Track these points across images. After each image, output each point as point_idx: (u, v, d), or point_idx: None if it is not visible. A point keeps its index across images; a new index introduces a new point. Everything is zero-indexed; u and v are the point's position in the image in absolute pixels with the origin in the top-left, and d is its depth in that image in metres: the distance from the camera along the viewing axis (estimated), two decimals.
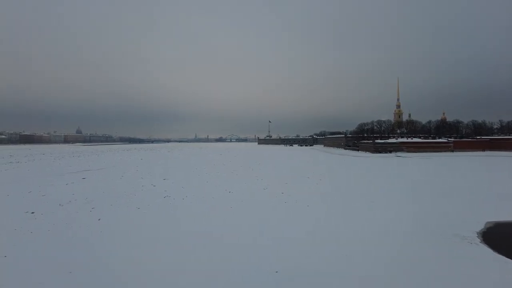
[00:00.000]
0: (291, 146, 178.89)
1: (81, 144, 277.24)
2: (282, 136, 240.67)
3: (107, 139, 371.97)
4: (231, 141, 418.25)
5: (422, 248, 11.47)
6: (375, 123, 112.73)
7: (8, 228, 13.96)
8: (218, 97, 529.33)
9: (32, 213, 16.86)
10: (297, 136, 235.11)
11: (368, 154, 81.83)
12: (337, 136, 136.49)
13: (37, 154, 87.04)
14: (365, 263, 10.08)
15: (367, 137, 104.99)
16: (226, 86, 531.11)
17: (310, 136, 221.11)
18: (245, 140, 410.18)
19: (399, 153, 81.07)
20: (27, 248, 11.52)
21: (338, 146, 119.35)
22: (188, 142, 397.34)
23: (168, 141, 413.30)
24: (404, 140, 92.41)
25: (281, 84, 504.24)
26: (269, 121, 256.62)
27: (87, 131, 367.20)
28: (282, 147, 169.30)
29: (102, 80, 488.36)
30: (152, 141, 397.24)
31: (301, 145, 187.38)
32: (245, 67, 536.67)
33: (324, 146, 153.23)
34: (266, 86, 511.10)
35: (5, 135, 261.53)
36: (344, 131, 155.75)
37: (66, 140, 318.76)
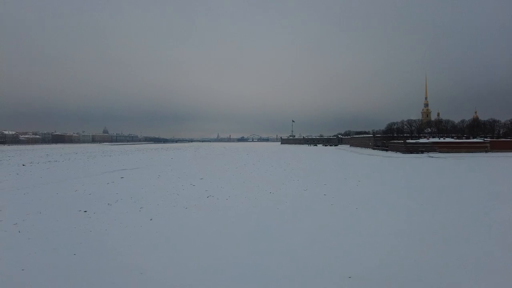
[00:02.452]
0: (315, 146, 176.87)
1: (108, 143, 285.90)
2: (305, 136, 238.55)
3: (132, 139, 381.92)
4: (253, 140, 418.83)
5: None
6: (405, 123, 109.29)
7: (68, 226, 14.12)
8: (240, 97, 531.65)
9: (85, 211, 17.07)
10: (321, 135, 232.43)
11: (399, 154, 79.38)
12: (364, 135, 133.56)
13: (71, 154, 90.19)
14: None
15: (397, 137, 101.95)
16: (248, 85, 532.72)
17: (335, 135, 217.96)
18: (266, 140, 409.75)
19: (431, 154, 78.13)
20: (93, 247, 11.50)
21: (366, 146, 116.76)
22: (210, 141, 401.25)
23: (191, 140, 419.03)
24: (436, 140, 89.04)
25: (304, 83, 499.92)
26: (292, 121, 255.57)
27: (113, 131, 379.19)
28: (305, 147, 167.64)
29: (128, 81, 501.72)
30: (176, 141, 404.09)
31: (325, 145, 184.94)
32: (267, 65, 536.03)
33: (350, 146, 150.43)
34: (289, 85, 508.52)
35: (39, 135, 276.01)
36: (370, 130, 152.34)
37: (94, 139, 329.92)
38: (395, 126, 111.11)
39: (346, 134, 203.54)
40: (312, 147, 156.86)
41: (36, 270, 9.46)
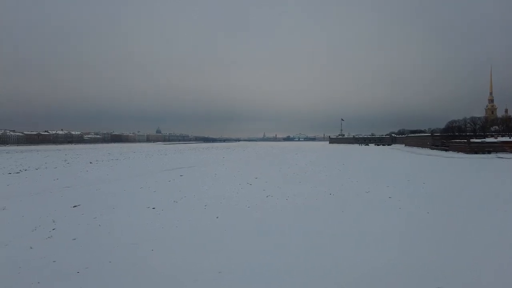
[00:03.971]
0: (366, 146, 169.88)
1: (161, 143, 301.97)
2: (355, 135, 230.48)
3: (183, 138, 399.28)
4: (299, 140, 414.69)
5: None
6: (467, 120, 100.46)
7: (141, 222, 14.85)
8: (286, 96, 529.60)
9: (153, 208, 17.86)
10: (372, 134, 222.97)
11: (461, 155, 73.12)
12: (421, 134, 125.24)
13: (129, 152, 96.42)
14: None
15: (458, 136, 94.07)
16: (294, 84, 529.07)
17: (388, 134, 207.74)
18: (313, 139, 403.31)
19: (500, 154, 70.84)
20: (168, 244, 11.88)
21: (423, 145, 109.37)
22: (256, 141, 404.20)
23: (238, 140, 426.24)
24: (507, 139, 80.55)
25: (352, 81, 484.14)
26: (342, 119, 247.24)
27: (166, 130, 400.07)
28: (356, 146, 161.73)
29: (178, 83, 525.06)
30: (223, 140, 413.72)
31: (377, 145, 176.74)
32: (313, 63, 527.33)
33: (405, 145, 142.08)
34: (336, 83, 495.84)
35: (100, 135, 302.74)
36: (427, 129, 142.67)
37: (148, 139, 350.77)
38: (456, 124, 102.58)
39: (400, 133, 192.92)
40: (363, 147, 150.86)
41: (122, 263, 9.95)
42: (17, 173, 38.58)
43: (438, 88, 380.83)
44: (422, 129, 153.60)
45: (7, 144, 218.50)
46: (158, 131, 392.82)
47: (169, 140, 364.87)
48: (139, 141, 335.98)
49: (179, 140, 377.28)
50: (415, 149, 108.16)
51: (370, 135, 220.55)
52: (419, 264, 9.70)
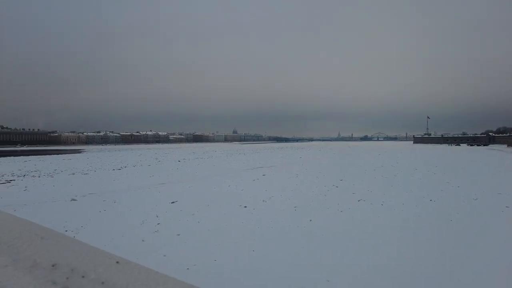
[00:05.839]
0: (457, 146, 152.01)
1: (237, 142, 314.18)
2: (443, 134, 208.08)
3: (257, 138, 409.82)
4: (378, 139, 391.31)
5: None
6: None
7: (236, 220, 15.05)
8: (363, 93, 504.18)
9: (245, 207, 18.07)
10: (464, 133, 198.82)
11: None
12: None
13: (210, 151, 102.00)
14: None
15: None
16: (372, 81, 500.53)
17: (484, 133, 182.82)
18: (394, 138, 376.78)
19: None
20: (269, 245, 11.71)
21: None
22: (330, 141, 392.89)
23: (311, 139, 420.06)
24: None
25: (438, 76, 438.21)
26: (428, 117, 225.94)
27: (241, 131, 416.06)
28: (445, 146, 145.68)
29: (250, 85, 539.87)
30: (297, 140, 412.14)
31: (471, 145, 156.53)
32: (394, 58, 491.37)
33: (507, 146, 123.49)
34: (420, 79, 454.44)
35: (183, 135, 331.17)
36: None
37: (226, 139, 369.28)
38: None
39: (500, 131, 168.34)
40: (454, 147, 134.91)
41: (226, 263, 10.03)
42: (119, 169, 43.38)
43: None
44: None
45: (107, 143, 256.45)
46: (234, 132, 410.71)
47: (244, 140, 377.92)
48: (218, 141, 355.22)
49: (254, 140, 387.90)
50: None
51: (461, 134, 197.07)
52: None
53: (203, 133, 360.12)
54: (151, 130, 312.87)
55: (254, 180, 29.54)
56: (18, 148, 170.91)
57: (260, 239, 12.29)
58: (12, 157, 76.42)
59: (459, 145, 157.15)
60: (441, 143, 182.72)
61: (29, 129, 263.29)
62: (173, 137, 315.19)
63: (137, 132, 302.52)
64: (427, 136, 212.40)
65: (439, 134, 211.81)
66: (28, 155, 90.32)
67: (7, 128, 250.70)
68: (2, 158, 71.64)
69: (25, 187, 26.27)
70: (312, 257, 10.43)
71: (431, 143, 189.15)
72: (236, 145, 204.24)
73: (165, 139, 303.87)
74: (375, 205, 18.94)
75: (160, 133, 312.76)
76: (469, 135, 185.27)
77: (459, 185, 26.33)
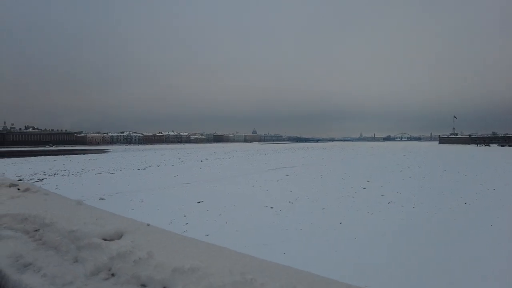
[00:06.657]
0: (487, 146, 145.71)
1: (257, 143, 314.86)
2: (471, 134, 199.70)
3: (277, 138, 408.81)
4: (401, 139, 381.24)
5: None
6: None
7: (263, 222, 14.83)
8: (386, 93, 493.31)
9: (271, 208, 17.86)
10: (494, 133, 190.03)
11: None
12: None
13: (231, 152, 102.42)
14: None
15: None
16: (396, 81, 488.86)
17: None
18: (418, 139, 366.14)
19: None
20: (299, 248, 11.42)
21: None
22: (352, 141, 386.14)
23: (332, 140, 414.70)
24: None
25: (463, 74, 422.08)
26: (454, 117, 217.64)
27: (261, 131, 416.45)
28: (473, 147, 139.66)
29: (271, 85, 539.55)
30: (317, 140, 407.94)
31: (502, 145, 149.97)
32: (418, 58, 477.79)
33: None
34: (445, 78, 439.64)
35: (204, 136, 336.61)
36: None
37: (246, 139, 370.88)
38: None
39: None
40: (484, 148, 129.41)
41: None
42: (144, 169, 44.16)
43: None
44: None
45: (131, 143, 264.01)
46: (254, 132, 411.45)
47: (264, 140, 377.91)
48: (237, 141, 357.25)
49: (273, 140, 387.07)
50: None
51: (491, 134, 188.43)
52: None
53: (223, 133, 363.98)
54: (173, 131, 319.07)
55: (278, 181, 29.26)
56: (49, 148, 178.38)
57: (290, 241, 12.02)
58: (43, 157, 79.56)
59: (489, 146, 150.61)
60: (469, 144, 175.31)
61: (58, 130, 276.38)
62: (194, 137, 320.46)
63: (159, 133, 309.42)
64: (453, 136, 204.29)
65: (466, 134, 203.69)
66: (57, 154, 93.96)
67: (38, 129, 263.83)
68: (34, 157, 74.89)
69: (56, 185, 27.10)
70: (348, 262, 10.06)
71: (458, 143, 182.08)
72: (256, 145, 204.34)
73: (186, 139, 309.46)
74: (406, 207, 18.22)
75: (182, 133, 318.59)
76: (500, 135, 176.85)
77: (494, 188, 25.04)
